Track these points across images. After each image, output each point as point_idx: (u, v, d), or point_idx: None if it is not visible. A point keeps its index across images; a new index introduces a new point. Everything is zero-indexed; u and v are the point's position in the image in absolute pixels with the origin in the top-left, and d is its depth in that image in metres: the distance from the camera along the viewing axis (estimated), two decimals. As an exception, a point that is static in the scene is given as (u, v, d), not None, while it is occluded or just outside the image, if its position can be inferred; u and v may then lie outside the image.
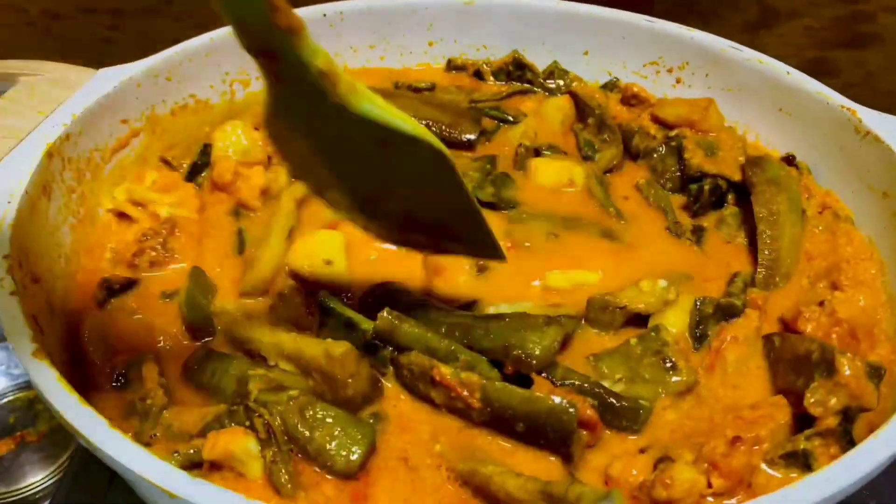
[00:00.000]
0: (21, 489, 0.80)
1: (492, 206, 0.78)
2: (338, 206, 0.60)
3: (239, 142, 0.79)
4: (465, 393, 0.55)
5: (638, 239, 0.77)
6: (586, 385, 0.58)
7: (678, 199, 0.82)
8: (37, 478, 0.80)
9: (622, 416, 0.57)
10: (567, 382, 0.58)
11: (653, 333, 0.64)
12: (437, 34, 1.01)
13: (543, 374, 0.58)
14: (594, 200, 0.81)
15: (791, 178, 0.79)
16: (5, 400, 0.87)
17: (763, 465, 0.51)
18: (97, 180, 0.77)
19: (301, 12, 0.92)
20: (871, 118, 0.75)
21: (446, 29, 1.01)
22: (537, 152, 0.87)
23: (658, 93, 0.95)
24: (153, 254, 0.70)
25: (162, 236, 0.72)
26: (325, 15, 0.96)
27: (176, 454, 0.54)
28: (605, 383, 0.59)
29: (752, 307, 0.68)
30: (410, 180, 0.55)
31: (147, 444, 0.54)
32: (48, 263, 0.67)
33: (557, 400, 0.53)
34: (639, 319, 0.67)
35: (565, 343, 0.63)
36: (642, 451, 0.54)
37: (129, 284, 0.68)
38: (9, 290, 0.55)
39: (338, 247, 0.70)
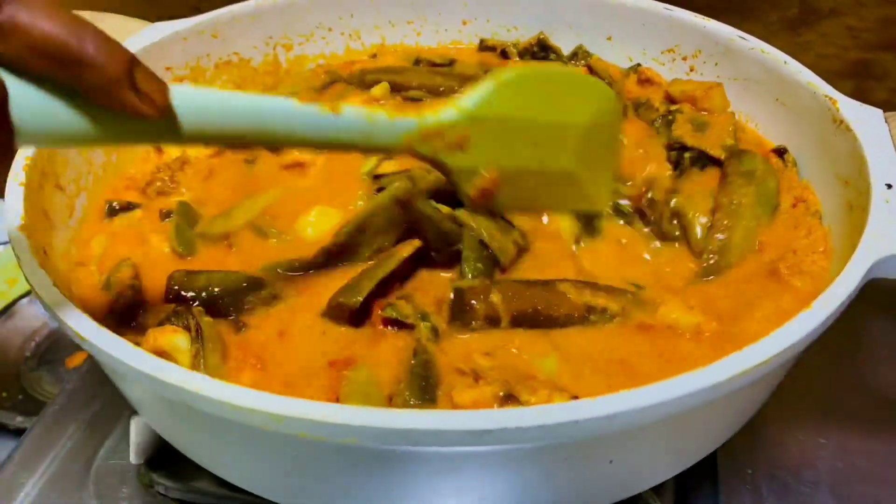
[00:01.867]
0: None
1: None
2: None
3: None
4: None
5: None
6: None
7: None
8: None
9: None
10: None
11: None
12: (471, 14, 1.08)
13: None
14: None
15: (769, 173, 0.79)
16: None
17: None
18: (137, 116, 0.90)
19: (344, -13, 1.04)
20: (848, 108, 0.75)
21: (479, 9, 1.07)
22: None
23: (673, 79, 0.97)
24: (159, 184, 0.82)
25: (172, 170, 0.83)
26: (365, -10, 1.05)
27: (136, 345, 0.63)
28: None
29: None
30: None
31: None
32: (75, 177, 0.79)
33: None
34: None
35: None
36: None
37: (129, 206, 0.80)
38: (19, 182, 0.67)
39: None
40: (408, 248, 0.68)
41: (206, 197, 0.81)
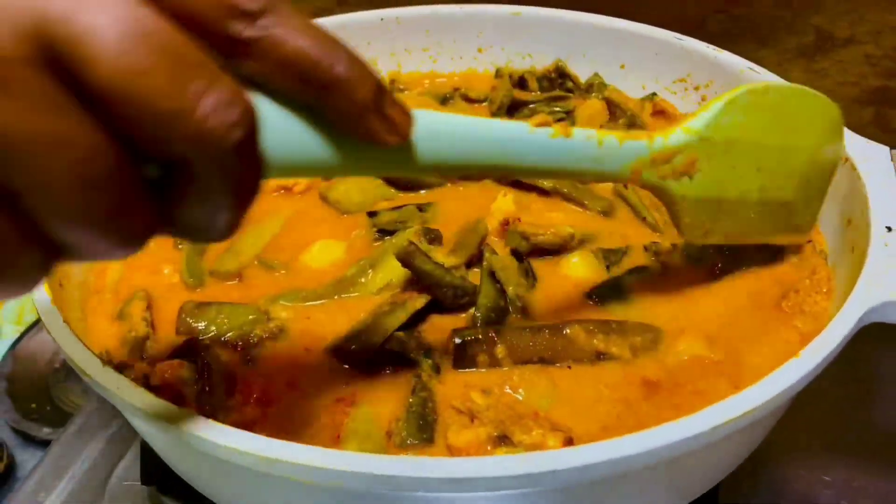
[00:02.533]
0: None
1: None
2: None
3: None
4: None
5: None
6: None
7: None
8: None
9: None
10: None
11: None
12: (486, 42, 1.09)
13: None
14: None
15: None
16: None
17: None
18: (156, 145, 0.93)
19: (359, 16, 1.06)
20: (854, 144, 0.74)
21: (495, 37, 1.08)
22: None
23: (686, 110, 0.97)
24: None
25: None
26: (382, 19, 1.07)
27: (144, 377, 0.65)
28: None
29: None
30: None
31: (126, 367, 0.66)
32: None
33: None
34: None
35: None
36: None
37: None
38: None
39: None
40: (419, 301, 0.68)
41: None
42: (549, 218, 0.81)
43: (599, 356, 0.66)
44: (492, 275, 0.71)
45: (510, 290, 0.71)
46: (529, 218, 0.80)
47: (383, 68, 1.10)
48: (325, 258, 0.77)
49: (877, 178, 0.70)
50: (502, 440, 0.60)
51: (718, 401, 0.61)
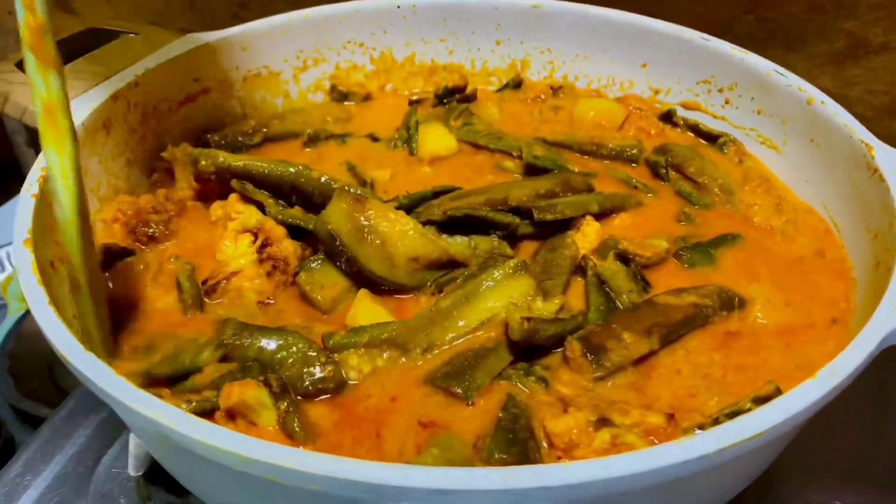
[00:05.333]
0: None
1: None
2: None
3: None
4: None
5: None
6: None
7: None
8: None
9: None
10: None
11: None
12: (505, 34, 1.06)
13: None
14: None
15: None
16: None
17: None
18: (162, 126, 0.91)
19: (376, 3, 1.03)
20: (885, 155, 0.71)
21: (514, 30, 1.05)
22: None
23: (709, 112, 0.94)
24: (151, 229, 0.77)
25: (168, 214, 0.79)
26: (398, 7, 1.04)
27: (189, 403, 0.59)
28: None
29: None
30: None
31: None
32: (94, 184, 0.80)
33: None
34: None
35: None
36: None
37: (125, 254, 0.76)
38: (31, 193, 0.68)
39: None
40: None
41: (199, 245, 0.77)
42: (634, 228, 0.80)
43: (696, 307, 0.67)
44: (601, 284, 0.70)
45: (623, 297, 0.70)
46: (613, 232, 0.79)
47: (399, 57, 1.07)
48: (368, 319, 0.69)
49: (907, 190, 0.66)
50: (603, 423, 0.58)
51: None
